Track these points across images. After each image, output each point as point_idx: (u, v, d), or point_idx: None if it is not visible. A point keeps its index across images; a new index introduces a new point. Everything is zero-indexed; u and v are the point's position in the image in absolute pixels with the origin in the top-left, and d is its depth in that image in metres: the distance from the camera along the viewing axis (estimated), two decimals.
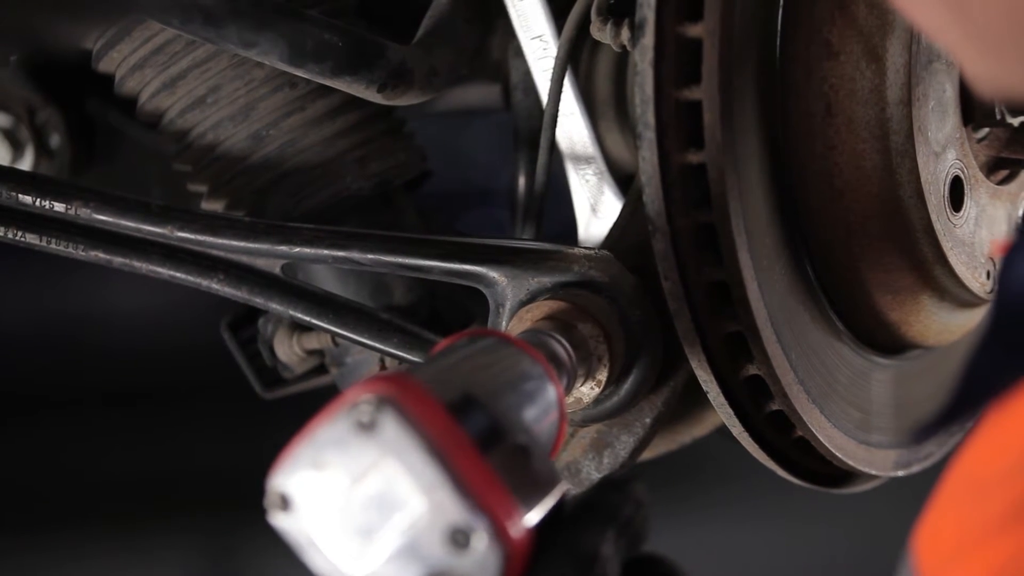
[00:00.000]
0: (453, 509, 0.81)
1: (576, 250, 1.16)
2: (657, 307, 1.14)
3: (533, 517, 0.84)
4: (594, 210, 1.31)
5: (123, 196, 1.22)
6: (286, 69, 1.23)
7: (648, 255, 1.12)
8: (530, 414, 0.92)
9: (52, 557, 2.76)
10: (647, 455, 1.24)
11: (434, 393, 0.84)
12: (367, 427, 0.81)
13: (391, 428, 0.81)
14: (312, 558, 0.82)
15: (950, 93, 1.19)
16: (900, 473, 1.28)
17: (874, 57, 1.14)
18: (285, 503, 0.82)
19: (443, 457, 0.81)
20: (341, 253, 1.19)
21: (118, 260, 1.22)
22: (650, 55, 1.07)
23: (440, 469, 0.81)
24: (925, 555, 0.72)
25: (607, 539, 0.86)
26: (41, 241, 1.22)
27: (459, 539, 0.81)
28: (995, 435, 0.72)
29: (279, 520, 0.82)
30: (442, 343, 0.99)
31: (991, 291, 1.24)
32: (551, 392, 0.97)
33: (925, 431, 0.80)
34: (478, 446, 0.83)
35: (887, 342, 1.25)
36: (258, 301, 1.23)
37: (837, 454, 1.20)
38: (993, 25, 0.75)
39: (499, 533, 0.81)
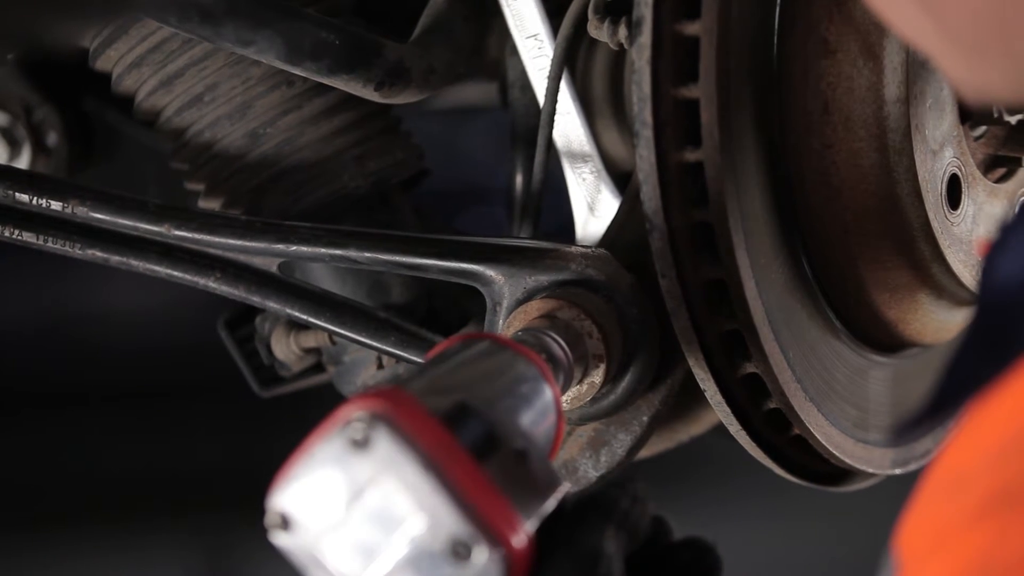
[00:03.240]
0: (452, 522, 0.80)
1: (573, 248, 1.16)
2: (654, 305, 1.14)
3: (534, 522, 0.84)
4: (591, 208, 1.31)
5: (120, 194, 1.22)
6: (283, 67, 1.23)
7: (645, 253, 1.12)
8: (527, 417, 0.92)
9: (52, 556, 2.76)
10: (645, 453, 1.24)
11: (427, 405, 0.84)
12: (361, 444, 0.81)
13: (385, 444, 0.81)
14: None
15: (947, 91, 1.19)
16: (898, 471, 1.28)
17: (871, 55, 1.14)
18: (285, 523, 0.82)
19: (439, 471, 0.81)
20: (338, 251, 1.19)
21: (115, 259, 1.22)
22: (647, 53, 1.07)
23: (436, 483, 0.81)
24: (906, 548, 0.72)
25: (608, 537, 0.86)
26: (38, 240, 1.22)
27: (460, 552, 0.80)
28: (975, 430, 0.72)
29: (280, 540, 0.82)
30: (436, 348, 0.99)
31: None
32: (547, 393, 0.96)
33: (908, 428, 0.80)
34: (474, 456, 0.83)
35: (885, 340, 1.25)
36: (255, 299, 1.23)
37: (835, 452, 1.20)
38: (971, 29, 0.75)
39: (499, 544, 0.81)
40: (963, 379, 0.75)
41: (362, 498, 0.81)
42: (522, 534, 0.82)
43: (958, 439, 0.73)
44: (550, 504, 0.86)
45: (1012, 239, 0.76)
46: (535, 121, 1.32)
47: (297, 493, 0.82)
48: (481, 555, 0.80)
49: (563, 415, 0.99)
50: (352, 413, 0.82)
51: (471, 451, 0.83)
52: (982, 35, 0.75)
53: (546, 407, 0.95)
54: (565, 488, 0.88)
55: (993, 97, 0.80)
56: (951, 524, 0.70)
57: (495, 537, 0.81)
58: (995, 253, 0.76)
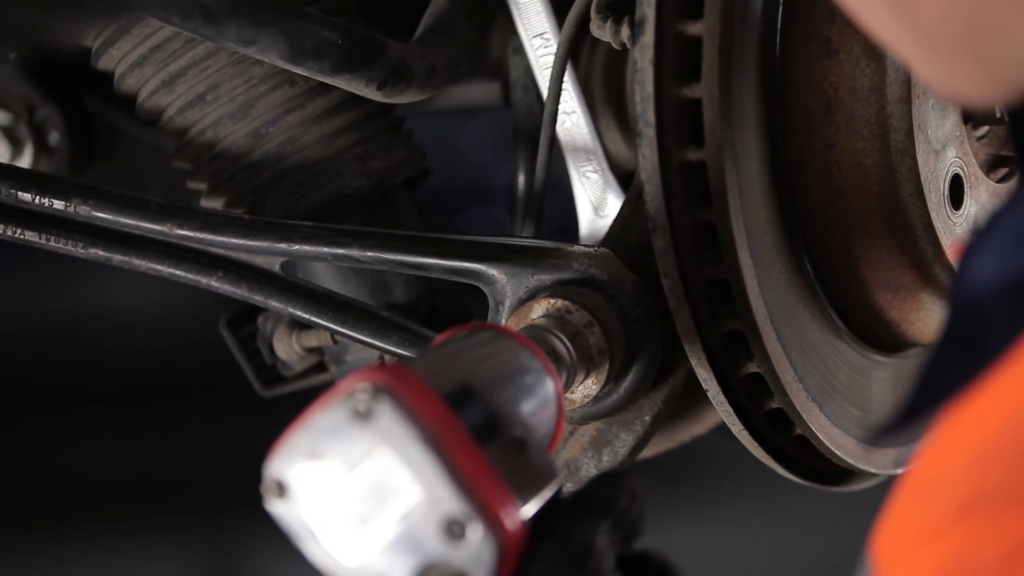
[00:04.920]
0: (449, 500, 0.81)
1: (576, 248, 1.16)
2: (657, 305, 1.14)
3: (529, 510, 0.84)
4: (596, 208, 1.31)
5: (122, 194, 1.22)
6: (285, 67, 1.23)
7: (648, 253, 1.12)
8: (528, 407, 0.92)
9: (52, 556, 2.76)
10: (646, 453, 1.24)
11: (431, 383, 0.84)
12: (363, 416, 0.81)
13: (387, 417, 0.81)
14: (308, 546, 0.82)
15: None
16: (899, 471, 1.28)
17: (874, 55, 1.14)
18: (281, 490, 0.82)
19: (439, 447, 0.81)
20: (340, 251, 1.19)
21: (117, 258, 1.22)
22: (650, 53, 1.07)
23: (436, 459, 0.81)
24: (882, 551, 0.73)
25: (601, 532, 0.86)
26: (40, 239, 1.22)
27: (454, 530, 0.80)
28: (949, 437, 0.72)
29: (275, 507, 0.82)
30: (441, 336, 0.99)
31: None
32: (549, 386, 0.97)
33: (884, 432, 0.80)
34: (475, 437, 0.83)
35: (887, 340, 1.25)
36: (257, 299, 1.23)
37: (836, 452, 1.20)
38: (942, 32, 0.76)
39: (494, 525, 0.81)
40: (938, 383, 0.75)
41: (360, 470, 0.81)
42: (517, 519, 0.82)
43: (934, 444, 0.73)
44: (545, 494, 0.86)
45: (985, 244, 0.76)
46: (537, 120, 1.32)
47: (295, 461, 0.82)
48: (475, 534, 0.80)
49: (564, 410, 0.99)
50: (356, 384, 0.82)
51: (472, 433, 0.83)
52: (953, 37, 0.75)
53: (547, 400, 0.96)
54: (561, 481, 0.88)
55: (964, 98, 0.80)
56: (927, 528, 0.70)
57: (490, 518, 0.81)
58: (968, 257, 0.76)
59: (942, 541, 0.68)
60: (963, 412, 0.72)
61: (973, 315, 0.75)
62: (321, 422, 0.82)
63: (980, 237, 0.76)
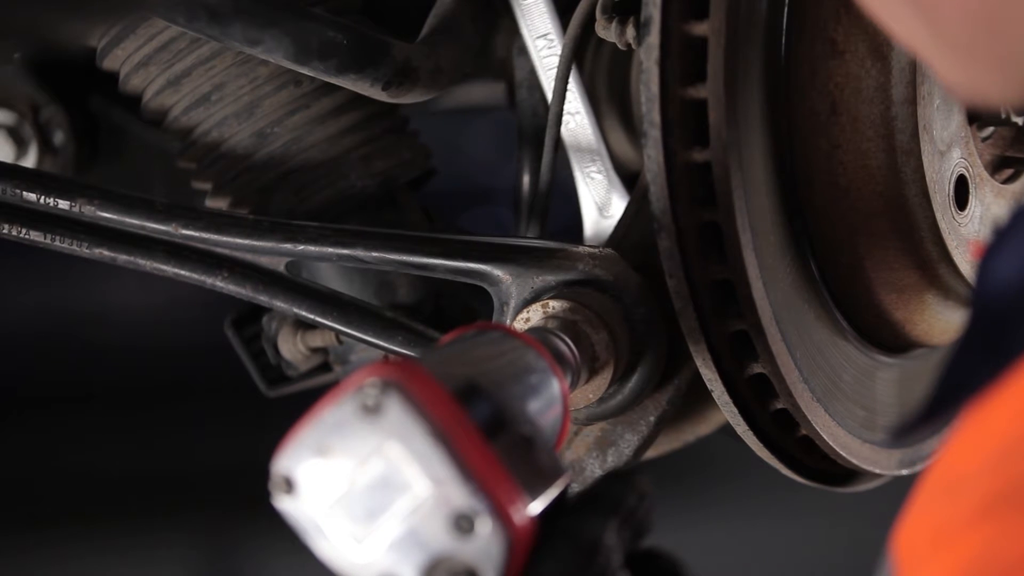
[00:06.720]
0: (457, 494, 0.81)
1: (580, 248, 1.16)
2: (662, 305, 1.14)
3: (537, 506, 0.84)
4: (600, 208, 1.32)
5: (127, 194, 1.22)
6: (291, 67, 1.23)
7: (653, 253, 1.12)
8: (534, 406, 0.92)
9: (52, 556, 2.76)
10: (651, 453, 1.24)
11: (440, 379, 0.84)
12: (372, 410, 0.81)
13: (396, 412, 0.81)
14: (316, 542, 0.82)
15: None
16: (904, 472, 1.28)
17: (879, 56, 1.14)
18: (289, 486, 0.82)
19: (448, 442, 0.81)
20: (345, 251, 1.19)
21: (122, 258, 1.22)
22: (656, 53, 1.07)
23: (445, 454, 0.81)
24: (904, 549, 0.73)
25: (610, 529, 0.86)
26: (45, 239, 1.22)
27: (463, 524, 0.80)
28: (971, 434, 0.73)
29: (283, 503, 0.82)
30: (449, 334, 0.99)
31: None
32: (555, 386, 0.97)
33: (906, 431, 0.80)
34: (483, 433, 0.83)
35: (892, 341, 1.25)
36: (262, 299, 1.23)
37: (841, 452, 1.20)
38: (962, 31, 0.76)
39: (503, 519, 0.81)
40: (960, 382, 0.75)
41: (368, 465, 0.81)
42: (525, 514, 0.82)
43: (956, 441, 0.73)
44: (553, 491, 0.86)
45: (1006, 242, 0.76)
46: (542, 121, 1.32)
47: (303, 456, 0.82)
48: (484, 528, 0.80)
49: (569, 409, 0.99)
50: (365, 379, 0.82)
51: (480, 428, 0.83)
52: (973, 37, 0.76)
53: (553, 399, 0.96)
54: (568, 479, 0.89)
55: (985, 99, 0.80)
56: (950, 525, 0.70)
57: (499, 512, 0.80)
58: (990, 256, 0.76)
59: (964, 539, 0.68)
60: (985, 410, 0.72)
61: (995, 314, 0.75)
62: (330, 417, 0.82)
63: (1001, 237, 0.76)
